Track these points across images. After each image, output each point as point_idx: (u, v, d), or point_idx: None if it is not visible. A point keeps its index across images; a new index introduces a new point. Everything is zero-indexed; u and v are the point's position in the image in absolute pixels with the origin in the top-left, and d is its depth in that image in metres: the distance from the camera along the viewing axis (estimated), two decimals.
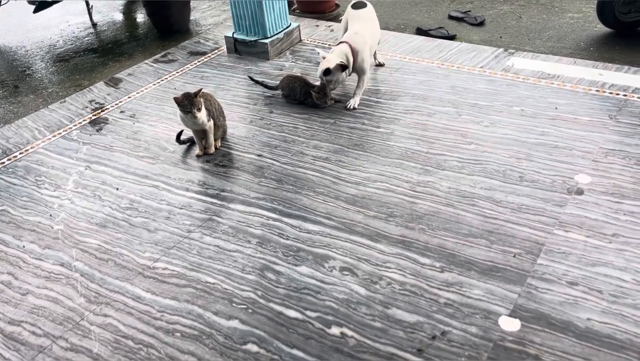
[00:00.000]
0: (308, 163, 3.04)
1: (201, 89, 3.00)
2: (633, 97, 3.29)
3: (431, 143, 3.08)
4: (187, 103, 2.94)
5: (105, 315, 2.26)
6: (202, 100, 3.01)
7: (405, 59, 4.00)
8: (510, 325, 2.03)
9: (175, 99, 2.95)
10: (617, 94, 3.33)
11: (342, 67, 3.36)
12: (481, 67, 3.80)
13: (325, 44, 4.39)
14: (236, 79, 4.04)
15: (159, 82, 4.12)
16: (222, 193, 2.88)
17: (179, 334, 2.13)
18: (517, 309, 2.08)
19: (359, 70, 3.51)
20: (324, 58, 3.37)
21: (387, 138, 3.17)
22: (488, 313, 2.08)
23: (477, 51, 4.01)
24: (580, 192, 2.62)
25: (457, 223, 2.52)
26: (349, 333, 2.07)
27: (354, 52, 3.43)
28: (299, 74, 3.74)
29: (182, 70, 4.26)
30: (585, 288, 2.14)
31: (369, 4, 3.72)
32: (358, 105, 3.48)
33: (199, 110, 2.98)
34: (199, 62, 4.38)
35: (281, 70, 4.07)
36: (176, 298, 2.29)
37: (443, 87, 3.60)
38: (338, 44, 3.48)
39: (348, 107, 3.47)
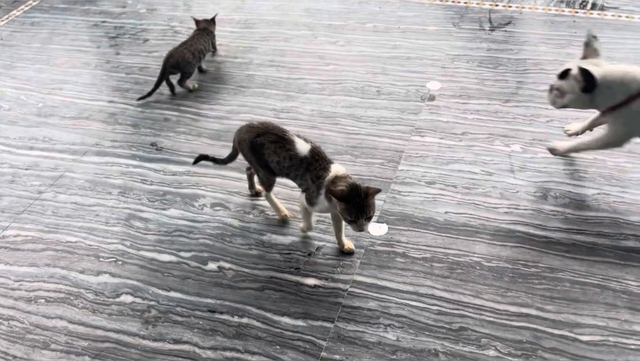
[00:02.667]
0: (164, 103, 2.86)
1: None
2: (472, 3, 3.47)
3: (291, 69, 3.04)
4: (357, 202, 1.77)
5: None
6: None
7: None
8: (378, 230, 2.13)
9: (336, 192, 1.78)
10: (459, 2, 3.50)
11: None
12: None
13: None
14: (73, 21, 3.64)
15: None
16: (73, 147, 2.64)
17: (42, 300, 1.97)
18: (384, 215, 2.19)
19: None
20: None
21: (246, 68, 3.08)
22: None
23: None
24: (432, 98, 2.76)
25: (323, 143, 2.52)
26: (227, 265, 2.05)
27: None
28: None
29: (7, 18, 3.75)
30: (442, 185, 2.29)
31: None
32: None
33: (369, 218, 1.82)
34: (27, 6, 3.87)
35: (124, 7, 3.72)
36: (35, 265, 2.10)
37: (297, 11, 3.53)
38: None
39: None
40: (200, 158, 2.26)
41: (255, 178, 2.27)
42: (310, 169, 1.91)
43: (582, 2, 3.40)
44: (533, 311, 1.79)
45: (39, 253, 2.14)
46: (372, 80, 2.90)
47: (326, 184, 1.85)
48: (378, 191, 1.79)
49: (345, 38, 3.25)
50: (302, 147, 1.93)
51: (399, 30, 3.26)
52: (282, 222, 2.18)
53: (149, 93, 2.87)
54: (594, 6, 3.35)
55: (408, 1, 3.55)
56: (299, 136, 1.97)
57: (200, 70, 3.03)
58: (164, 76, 2.88)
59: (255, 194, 2.32)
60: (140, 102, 2.88)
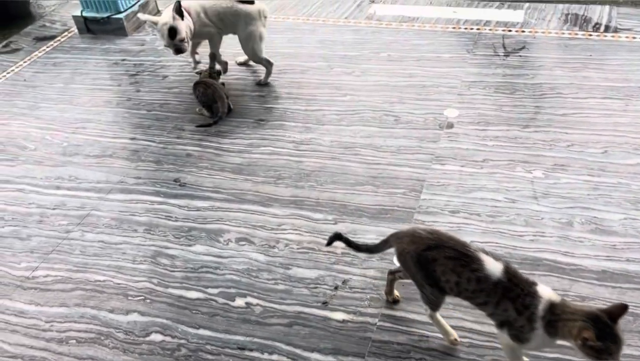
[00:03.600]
0: (186, 139, 2.91)
1: None
2: (485, 29, 3.51)
3: (308, 100, 3.08)
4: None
5: None
6: None
7: (270, 18, 3.92)
8: None
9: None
10: (472, 29, 3.54)
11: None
12: (345, 17, 3.84)
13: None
14: (94, 60, 3.73)
15: (5, 76, 3.69)
16: (98, 185, 2.68)
17: (74, 341, 1.99)
18: None
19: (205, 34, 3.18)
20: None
21: (264, 101, 3.13)
22: (383, 254, 2.16)
23: (340, 2, 4.04)
24: (450, 125, 2.77)
25: (344, 174, 2.57)
26: (254, 301, 2.06)
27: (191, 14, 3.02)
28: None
29: (30, 59, 3.85)
30: (465, 213, 2.29)
31: None
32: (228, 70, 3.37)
33: None
34: (49, 47, 3.98)
35: (142, 45, 3.82)
36: (65, 305, 2.13)
37: (312, 42, 3.59)
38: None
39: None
40: (337, 238, 1.87)
41: (397, 283, 1.95)
42: (511, 296, 1.49)
43: (595, 24, 3.42)
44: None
45: (68, 293, 2.17)
46: (390, 110, 2.93)
47: (542, 315, 1.45)
48: (624, 310, 1.37)
49: (361, 68, 3.29)
50: (494, 267, 1.52)
51: (413, 59, 3.30)
52: (452, 344, 1.80)
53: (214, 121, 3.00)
54: (607, 28, 3.37)
55: (422, 29, 3.60)
56: (485, 252, 1.57)
57: (229, 110, 3.06)
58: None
59: (393, 301, 1.96)
60: (162, 138, 2.93)
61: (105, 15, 3.93)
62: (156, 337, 1.97)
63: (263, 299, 2.06)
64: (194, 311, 2.04)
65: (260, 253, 2.24)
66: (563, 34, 3.38)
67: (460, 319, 1.89)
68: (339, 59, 3.40)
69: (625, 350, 1.71)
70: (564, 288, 1.94)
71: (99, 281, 2.20)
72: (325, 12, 3.93)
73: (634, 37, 3.26)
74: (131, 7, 3.99)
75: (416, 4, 3.90)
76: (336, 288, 2.07)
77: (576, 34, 3.36)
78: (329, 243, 1.89)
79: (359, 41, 3.55)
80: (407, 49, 3.41)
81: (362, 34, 3.62)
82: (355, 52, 3.44)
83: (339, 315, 1.97)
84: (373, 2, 3.99)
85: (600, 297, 1.89)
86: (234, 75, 3.35)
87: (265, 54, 3.20)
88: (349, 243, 1.88)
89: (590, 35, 3.33)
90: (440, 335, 1.83)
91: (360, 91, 3.10)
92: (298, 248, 2.24)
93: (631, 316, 1.82)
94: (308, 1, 4.11)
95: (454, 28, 3.57)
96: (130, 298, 2.12)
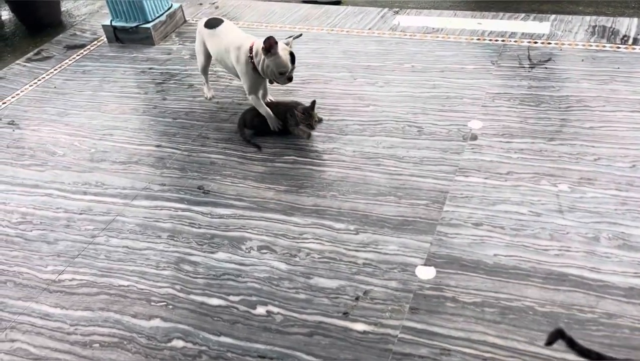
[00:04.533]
0: (211, 147, 2.95)
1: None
2: (510, 41, 3.48)
3: (331, 110, 3.09)
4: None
5: (12, 340, 2.09)
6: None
7: (295, 29, 3.96)
8: (426, 273, 2.11)
9: None
10: (496, 40, 3.52)
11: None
12: (369, 28, 3.85)
13: None
14: (122, 69, 3.81)
15: (36, 83, 3.79)
16: (124, 191, 2.73)
17: (97, 345, 2.02)
18: (431, 257, 2.17)
19: None
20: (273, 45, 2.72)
21: None
22: (405, 266, 2.16)
23: (364, 13, 4.06)
24: (474, 137, 2.75)
25: (366, 184, 2.57)
26: (275, 310, 2.06)
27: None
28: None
29: (60, 67, 3.95)
30: (489, 226, 2.27)
31: (225, 20, 3.08)
32: None
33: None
34: (79, 55, 4.08)
35: (169, 54, 3.88)
36: (89, 308, 2.16)
37: (336, 53, 3.61)
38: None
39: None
40: (559, 337, 1.53)
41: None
42: None
43: (624, 37, 3.37)
44: None
45: (93, 297, 2.21)
46: (413, 120, 2.93)
47: None
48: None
49: (384, 79, 3.29)
50: None
51: (437, 70, 3.29)
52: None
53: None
54: (635, 41, 3.32)
55: (445, 40, 3.59)
56: None
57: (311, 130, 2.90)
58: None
59: None
60: (187, 146, 2.97)
61: (133, 24, 4.02)
62: (178, 343, 1.99)
63: (284, 308, 2.06)
64: (215, 318, 2.06)
65: (282, 261, 2.25)
66: (590, 46, 3.34)
67: (482, 333, 1.86)
68: (362, 69, 3.41)
69: None
70: (590, 305, 1.90)
71: (123, 286, 2.24)
72: (349, 22, 3.95)
73: None
74: (159, 16, 4.07)
75: (440, 15, 3.90)
76: (357, 298, 2.06)
77: (604, 46, 3.31)
78: (549, 344, 1.55)
79: (383, 52, 3.56)
80: (431, 60, 3.40)
81: (385, 45, 3.63)
82: (379, 63, 3.45)
83: (360, 326, 1.96)
84: (397, 13, 4.00)
85: (628, 315, 1.85)
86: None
87: None
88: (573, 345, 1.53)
89: (618, 47, 3.28)
90: (460, 348, 1.81)
91: (383, 102, 3.10)
92: (319, 258, 2.24)
93: None
94: (332, 12, 4.14)
95: (478, 39, 3.56)
96: (152, 303, 2.15)
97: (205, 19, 3.12)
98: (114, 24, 4.08)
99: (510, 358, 1.78)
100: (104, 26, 4.16)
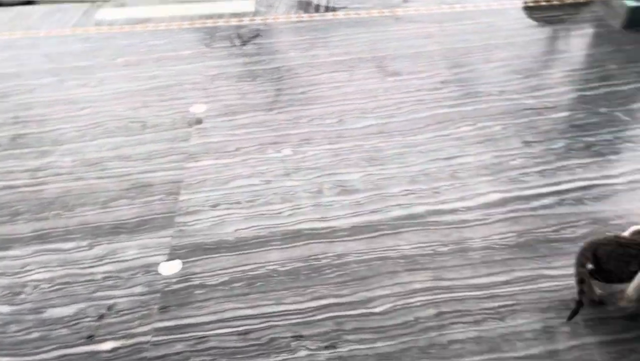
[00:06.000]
0: None
1: None
2: (219, 22, 3.55)
3: (40, 121, 2.76)
4: None
5: None
6: None
7: None
8: (171, 268, 2.04)
9: None
10: (206, 23, 3.55)
11: None
12: (72, 26, 3.52)
13: None
14: None
15: None
16: None
17: None
18: (174, 251, 2.10)
19: None
20: None
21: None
22: (148, 267, 2.05)
23: (62, 11, 3.70)
24: (199, 121, 2.74)
25: (92, 193, 2.36)
26: (5, 360, 1.77)
27: None
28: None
29: None
30: (226, 204, 2.29)
31: None
32: None
33: None
34: None
35: None
36: None
37: (35, 58, 3.22)
38: None
39: None
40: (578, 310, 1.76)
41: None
42: None
43: (316, 6, 3.72)
44: (332, 300, 1.89)
45: None
46: (135, 116, 2.78)
47: None
48: None
49: (97, 78, 3.06)
50: None
51: (152, 60, 3.18)
52: None
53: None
54: (326, 9, 3.68)
55: (157, 29, 3.49)
56: None
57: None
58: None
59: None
60: None
61: None
62: None
63: (15, 355, 1.78)
64: None
65: (4, 304, 1.93)
66: (291, 18, 3.60)
67: (233, 309, 1.88)
68: (69, 71, 3.11)
69: (379, 292, 1.89)
70: (323, 252, 2.06)
71: None
72: (47, 23, 3.56)
73: (349, 14, 3.63)
74: None
75: (148, 4, 3.77)
76: (101, 317, 1.89)
77: (302, 17, 3.60)
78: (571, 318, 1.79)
79: (91, 49, 3.30)
80: (145, 51, 3.27)
81: (92, 42, 3.37)
82: (88, 62, 3.19)
83: (108, 345, 1.80)
84: (100, 7, 3.73)
85: (353, 251, 2.06)
86: None
87: None
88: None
89: (313, 16, 3.61)
90: (214, 331, 1.80)
91: (100, 102, 2.88)
92: (50, 287, 1.99)
93: (380, 260, 2.02)
94: (26, 14, 3.68)
95: (189, 24, 3.54)
96: None
97: None
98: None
99: (263, 323, 1.83)
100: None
